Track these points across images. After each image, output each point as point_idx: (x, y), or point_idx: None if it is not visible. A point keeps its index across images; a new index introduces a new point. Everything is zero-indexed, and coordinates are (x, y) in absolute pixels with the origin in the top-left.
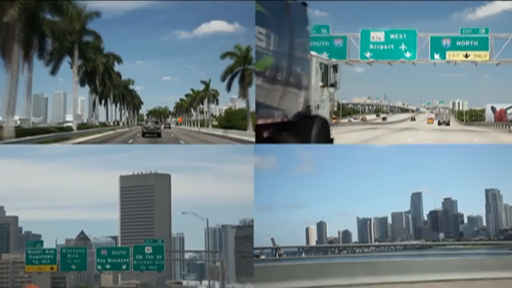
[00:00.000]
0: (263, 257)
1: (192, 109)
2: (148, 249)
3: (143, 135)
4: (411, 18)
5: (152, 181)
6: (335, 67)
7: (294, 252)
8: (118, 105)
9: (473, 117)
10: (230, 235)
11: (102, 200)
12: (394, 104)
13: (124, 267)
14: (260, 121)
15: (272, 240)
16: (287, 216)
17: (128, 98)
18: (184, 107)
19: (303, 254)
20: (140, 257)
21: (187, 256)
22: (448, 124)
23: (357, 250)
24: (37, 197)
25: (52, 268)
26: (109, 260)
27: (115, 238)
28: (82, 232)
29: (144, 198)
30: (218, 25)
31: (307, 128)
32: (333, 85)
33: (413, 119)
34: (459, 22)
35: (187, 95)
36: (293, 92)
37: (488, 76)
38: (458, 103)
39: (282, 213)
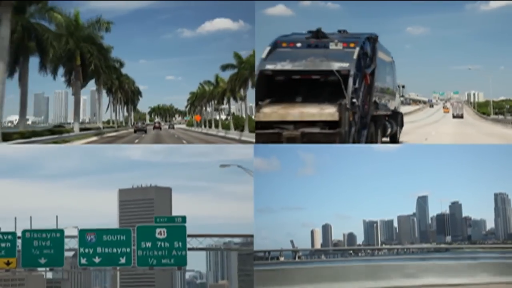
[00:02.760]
0: (282, 259)
1: (225, 100)
2: (161, 232)
3: (135, 131)
4: (424, 10)
5: (152, 195)
6: (403, 86)
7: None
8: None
9: (496, 110)
10: (233, 252)
11: (102, 219)
12: (409, 96)
13: (122, 260)
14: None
15: (292, 242)
16: (287, 218)
17: (107, 74)
18: (215, 94)
19: (322, 257)
20: (149, 245)
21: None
22: (461, 117)
23: (377, 253)
24: (35, 217)
25: (8, 263)
26: (99, 250)
27: None
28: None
29: (144, 212)
30: (222, 23)
31: (397, 117)
32: (402, 95)
33: (431, 106)
34: (472, 14)
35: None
36: (393, 99)
37: (503, 67)
38: (474, 94)
39: (281, 215)
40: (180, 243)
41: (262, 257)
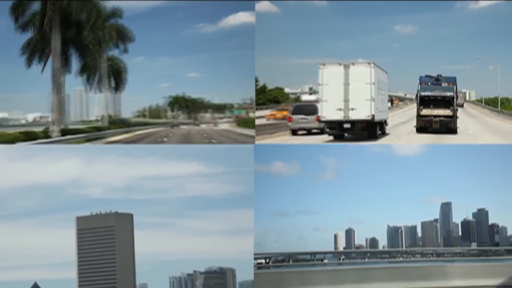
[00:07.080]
0: (326, 261)
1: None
2: None
3: (172, 127)
4: (412, 8)
5: (112, 222)
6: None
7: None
8: None
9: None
10: (199, 281)
11: (60, 258)
12: (396, 94)
13: None
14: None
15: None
16: (300, 222)
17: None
18: None
19: (366, 259)
20: None
21: None
22: (462, 106)
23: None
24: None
25: None
26: None
27: None
28: (35, 284)
29: (104, 241)
30: (245, 17)
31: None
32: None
33: None
34: (461, 13)
35: None
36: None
37: (492, 67)
38: (465, 92)
39: (295, 219)
40: None
41: (309, 259)
